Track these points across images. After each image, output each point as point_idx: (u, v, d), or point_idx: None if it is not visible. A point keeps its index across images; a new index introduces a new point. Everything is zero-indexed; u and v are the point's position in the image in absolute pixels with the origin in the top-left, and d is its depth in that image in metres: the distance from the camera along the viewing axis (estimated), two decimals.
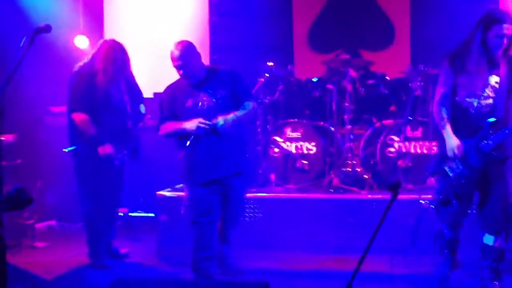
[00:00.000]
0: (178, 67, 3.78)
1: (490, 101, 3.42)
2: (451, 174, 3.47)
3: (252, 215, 4.98)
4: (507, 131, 3.35)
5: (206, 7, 7.01)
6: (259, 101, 5.74)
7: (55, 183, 5.85)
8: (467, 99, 3.44)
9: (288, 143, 5.50)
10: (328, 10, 6.86)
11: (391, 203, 2.41)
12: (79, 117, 4.30)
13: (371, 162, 5.42)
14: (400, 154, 5.21)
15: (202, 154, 3.81)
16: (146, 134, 4.81)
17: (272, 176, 5.48)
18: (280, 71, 5.85)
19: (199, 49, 6.83)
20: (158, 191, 5.23)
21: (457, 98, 3.48)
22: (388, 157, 5.25)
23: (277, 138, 5.52)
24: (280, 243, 4.86)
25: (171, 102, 3.88)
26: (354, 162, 5.34)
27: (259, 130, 5.78)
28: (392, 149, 5.26)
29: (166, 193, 5.19)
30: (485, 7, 6.18)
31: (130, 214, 6.00)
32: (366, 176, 5.24)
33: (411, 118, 5.24)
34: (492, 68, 3.42)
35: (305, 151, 5.44)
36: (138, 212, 6.19)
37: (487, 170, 3.45)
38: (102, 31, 6.90)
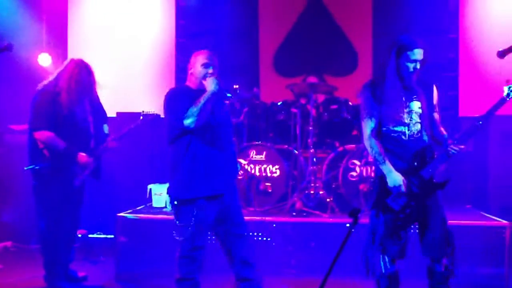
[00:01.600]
0: (211, 65, 3.68)
1: (418, 127, 3.42)
2: (396, 208, 3.41)
3: (215, 237, 4.93)
4: (443, 156, 3.37)
5: (172, 28, 7.03)
6: None
7: (12, 203, 5.69)
8: (396, 129, 3.41)
9: (251, 165, 5.52)
10: (293, 35, 6.98)
11: (352, 228, 2.44)
12: (45, 134, 4.22)
13: (334, 186, 5.47)
14: (361, 178, 5.28)
15: (206, 164, 3.59)
16: (108, 154, 4.73)
17: None
18: (245, 94, 5.88)
19: (164, 68, 6.93)
20: (118, 212, 5.14)
21: (384, 129, 3.44)
22: (350, 181, 5.32)
23: (241, 161, 5.53)
24: None
25: (191, 98, 3.57)
26: (317, 185, 5.38)
27: None
28: (354, 173, 5.33)
29: (127, 214, 5.11)
30: (446, 35, 6.48)
31: (89, 235, 5.88)
32: (328, 200, 5.28)
33: None
34: (411, 94, 3.44)
35: (269, 174, 5.47)
36: (97, 234, 6.07)
37: (426, 197, 3.43)
38: (66, 49, 6.83)
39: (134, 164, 6.07)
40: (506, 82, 3.30)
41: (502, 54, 3.38)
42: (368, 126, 3.45)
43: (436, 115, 3.55)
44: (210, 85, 3.54)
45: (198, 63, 3.69)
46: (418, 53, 3.33)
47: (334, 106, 5.64)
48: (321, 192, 5.36)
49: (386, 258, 3.50)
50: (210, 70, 3.66)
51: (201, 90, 3.61)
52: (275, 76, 7.01)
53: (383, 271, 3.52)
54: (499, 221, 4.77)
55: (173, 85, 6.96)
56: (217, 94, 3.58)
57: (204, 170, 3.57)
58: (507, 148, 5.49)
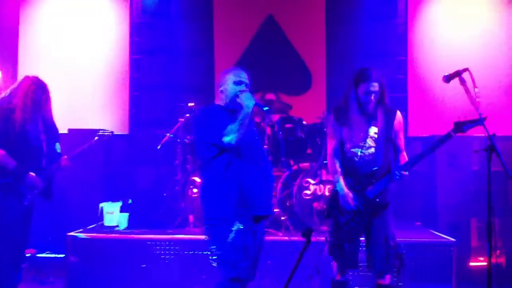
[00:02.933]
0: (243, 83, 3.51)
1: (372, 150, 3.69)
2: (341, 221, 3.70)
3: (169, 256, 4.88)
4: (387, 179, 3.64)
5: (126, 45, 6.98)
6: (178, 140, 5.74)
7: None
8: (352, 150, 3.70)
9: None
10: (249, 54, 7.05)
11: (305, 248, 2.48)
12: None
13: (288, 204, 5.52)
14: (315, 197, 5.35)
15: (246, 184, 3.39)
16: (59, 173, 4.62)
17: (191, 217, 5.44)
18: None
19: (118, 85, 6.86)
20: (68, 231, 5.02)
21: (344, 149, 3.75)
22: (304, 199, 5.38)
23: (196, 179, 5.50)
24: (197, 284, 4.79)
25: (224, 116, 3.43)
26: (272, 204, 5.40)
27: (178, 169, 5.76)
28: (308, 192, 5.40)
29: (78, 234, 4.99)
30: (395, 57, 6.70)
31: (37, 255, 5.70)
32: (283, 218, 5.32)
33: (326, 162, 5.42)
34: (371, 120, 3.72)
35: None
36: (47, 253, 5.89)
37: (372, 214, 3.69)
38: (16, 65, 6.67)
39: (85, 182, 5.95)
40: (458, 117, 3.56)
41: (447, 79, 3.55)
42: (330, 145, 3.81)
43: (400, 141, 3.78)
44: (246, 100, 3.38)
45: (229, 81, 3.53)
46: (372, 86, 3.64)
47: (289, 125, 5.72)
48: (275, 210, 5.39)
49: (337, 266, 3.78)
50: (243, 88, 3.51)
51: (233, 108, 3.45)
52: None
53: (334, 278, 3.81)
54: (447, 238, 4.93)
55: (127, 101, 6.90)
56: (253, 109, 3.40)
57: (243, 189, 3.35)
58: (454, 167, 5.70)
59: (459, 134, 3.54)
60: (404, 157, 3.77)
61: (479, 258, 5.53)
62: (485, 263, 5.39)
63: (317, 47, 7.00)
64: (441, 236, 5.09)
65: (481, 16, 6.60)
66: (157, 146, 5.64)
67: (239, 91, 3.47)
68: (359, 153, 3.69)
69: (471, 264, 5.52)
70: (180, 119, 5.74)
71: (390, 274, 3.73)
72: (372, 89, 3.64)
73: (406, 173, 3.62)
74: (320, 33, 7.00)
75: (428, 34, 6.69)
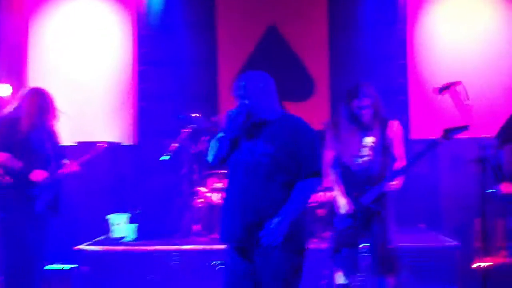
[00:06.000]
0: (240, 95, 3.13)
1: (367, 159, 3.89)
2: (339, 227, 3.90)
3: (175, 267, 4.96)
4: (380, 186, 3.83)
5: (134, 56, 7.08)
6: (184, 150, 5.81)
7: None
8: (348, 159, 3.92)
9: (212, 193, 5.57)
10: (251, 63, 7.12)
11: None
12: (1, 157, 4.21)
13: None
14: (319, 204, 5.40)
15: (224, 206, 3.18)
16: (65, 184, 4.67)
17: (196, 227, 5.52)
18: (205, 123, 5.97)
19: (126, 96, 6.93)
20: (75, 242, 5.11)
21: (341, 158, 3.97)
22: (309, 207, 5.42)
23: (202, 189, 5.59)
24: None
25: None
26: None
27: (184, 180, 5.85)
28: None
29: (85, 246, 5.09)
30: (395, 61, 6.73)
31: (45, 267, 5.79)
32: None
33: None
34: (366, 130, 3.92)
35: None
36: (55, 265, 5.99)
37: (369, 220, 3.87)
38: (25, 79, 6.80)
39: (93, 194, 6.03)
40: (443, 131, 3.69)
41: (439, 91, 3.67)
42: (327, 156, 3.98)
43: (394, 150, 3.96)
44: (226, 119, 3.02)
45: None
46: (363, 101, 3.86)
47: None
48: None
49: (339, 272, 3.96)
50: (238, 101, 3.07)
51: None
52: (235, 104, 7.10)
53: (336, 283, 3.99)
54: (451, 242, 4.97)
55: (134, 112, 6.98)
56: (235, 125, 3.01)
57: (222, 212, 3.09)
58: (456, 169, 5.72)
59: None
60: (399, 166, 3.91)
61: (483, 259, 5.54)
62: (489, 263, 5.40)
63: (320, 54, 7.05)
64: (444, 239, 5.12)
65: (481, 16, 6.61)
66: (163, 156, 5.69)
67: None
68: (355, 162, 3.89)
69: (476, 265, 5.52)
70: (183, 130, 5.81)
71: (392, 279, 3.86)
72: (363, 103, 3.86)
73: (394, 182, 3.82)
74: (323, 39, 7.05)
75: (428, 37, 6.72)
